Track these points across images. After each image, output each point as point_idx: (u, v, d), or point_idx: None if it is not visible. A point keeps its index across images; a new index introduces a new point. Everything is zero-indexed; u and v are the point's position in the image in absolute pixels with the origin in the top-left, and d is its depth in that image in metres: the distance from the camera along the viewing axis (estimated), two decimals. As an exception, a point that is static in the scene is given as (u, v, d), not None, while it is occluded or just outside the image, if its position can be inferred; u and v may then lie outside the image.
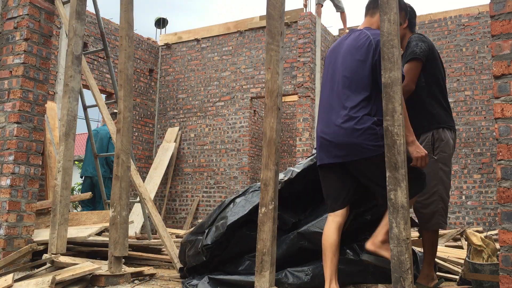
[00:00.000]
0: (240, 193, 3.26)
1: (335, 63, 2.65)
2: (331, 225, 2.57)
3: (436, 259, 3.22)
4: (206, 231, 3.10)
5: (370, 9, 2.75)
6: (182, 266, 3.36)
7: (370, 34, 2.55)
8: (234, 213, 3.03)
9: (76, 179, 14.12)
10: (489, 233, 4.10)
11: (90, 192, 5.62)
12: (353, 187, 2.61)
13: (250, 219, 3.01)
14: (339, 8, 10.09)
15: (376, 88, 2.47)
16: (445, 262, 3.56)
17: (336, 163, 2.54)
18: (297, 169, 3.13)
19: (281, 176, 3.11)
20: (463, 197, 8.30)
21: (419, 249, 4.01)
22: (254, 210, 2.95)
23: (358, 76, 2.50)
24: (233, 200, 3.21)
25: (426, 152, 2.47)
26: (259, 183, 3.21)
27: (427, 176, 2.61)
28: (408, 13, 2.94)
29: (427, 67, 2.82)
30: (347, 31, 10.27)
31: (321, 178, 2.68)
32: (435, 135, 2.79)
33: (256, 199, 3.03)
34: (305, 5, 9.78)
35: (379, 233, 2.47)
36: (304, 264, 2.90)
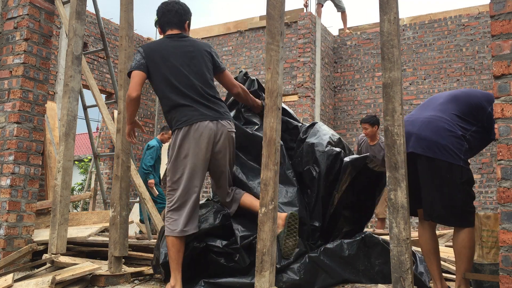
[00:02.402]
0: None
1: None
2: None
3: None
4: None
5: None
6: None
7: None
8: None
9: (76, 179, 14.13)
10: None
11: (91, 193, 5.63)
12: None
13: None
14: (340, 8, 10.09)
15: None
16: (445, 262, 3.55)
17: None
18: None
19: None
20: (463, 197, 8.29)
21: (418, 249, 4.01)
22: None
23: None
24: None
25: None
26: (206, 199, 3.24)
27: None
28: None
29: (151, 73, 2.93)
30: (348, 31, 10.28)
31: None
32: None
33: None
34: (306, 5, 9.78)
35: None
36: (296, 261, 2.89)
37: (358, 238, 3.09)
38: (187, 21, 3.09)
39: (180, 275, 2.76)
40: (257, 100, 3.33)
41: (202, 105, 2.88)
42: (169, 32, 3.04)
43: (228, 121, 2.96)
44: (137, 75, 2.88)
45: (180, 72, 2.90)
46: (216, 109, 2.92)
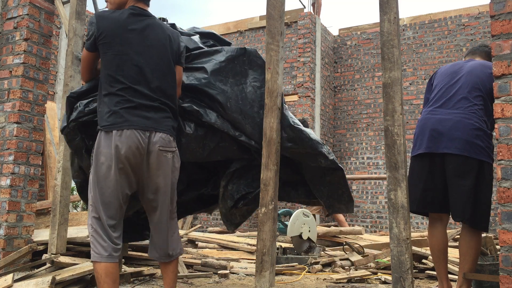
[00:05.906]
0: None
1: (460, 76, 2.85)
2: None
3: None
4: None
5: (473, 53, 3.05)
6: None
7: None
8: None
9: (76, 179, 14.10)
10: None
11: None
12: None
13: None
14: None
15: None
16: (445, 262, 3.55)
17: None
18: None
19: None
20: (463, 197, 8.29)
21: (418, 249, 4.01)
22: None
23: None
24: None
25: None
26: None
27: None
28: None
29: (102, 53, 2.28)
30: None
31: None
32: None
33: None
34: None
35: None
36: None
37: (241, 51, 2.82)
38: None
39: None
40: None
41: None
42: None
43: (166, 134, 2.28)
44: (87, 57, 2.42)
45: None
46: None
